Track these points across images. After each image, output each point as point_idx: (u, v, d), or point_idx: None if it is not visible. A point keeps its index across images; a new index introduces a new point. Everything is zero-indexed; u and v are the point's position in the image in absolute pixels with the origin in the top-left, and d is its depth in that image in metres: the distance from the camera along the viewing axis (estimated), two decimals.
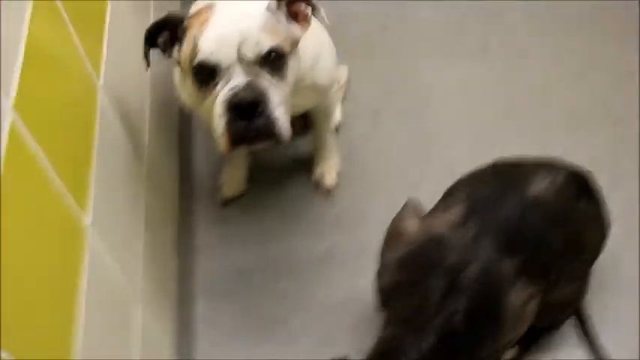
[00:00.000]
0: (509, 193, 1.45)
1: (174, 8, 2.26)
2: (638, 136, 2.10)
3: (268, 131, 1.41)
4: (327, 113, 1.93)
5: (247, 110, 1.39)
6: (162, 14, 1.92)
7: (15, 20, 1.02)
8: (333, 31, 1.78)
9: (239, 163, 2.04)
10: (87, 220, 1.18)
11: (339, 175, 2.06)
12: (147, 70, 1.49)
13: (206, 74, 1.40)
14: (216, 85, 1.40)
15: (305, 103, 1.73)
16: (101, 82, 1.38)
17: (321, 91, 1.73)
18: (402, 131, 2.15)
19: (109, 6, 1.53)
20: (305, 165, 2.09)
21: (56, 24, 1.20)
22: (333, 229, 1.98)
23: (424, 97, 2.22)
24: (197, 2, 1.61)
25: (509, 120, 2.15)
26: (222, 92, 1.39)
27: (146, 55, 1.48)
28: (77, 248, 1.12)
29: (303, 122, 2.09)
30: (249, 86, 1.38)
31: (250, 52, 1.38)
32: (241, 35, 1.37)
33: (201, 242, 1.98)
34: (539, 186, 1.49)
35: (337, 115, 2.14)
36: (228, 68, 1.38)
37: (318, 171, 2.05)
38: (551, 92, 2.21)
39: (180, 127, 2.05)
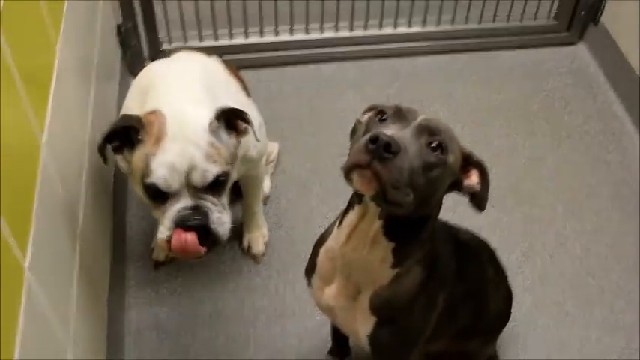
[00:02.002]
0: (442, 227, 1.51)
1: (113, 83, 2.36)
2: (545, 217, 2.28)
3: (209, 244, 1.55)
4: (256, 184, 2.03)
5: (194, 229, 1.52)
6: (101, 84, 2.03)
7: None
8: (266, 110, 1.90)
9: None
10: (26, 262, 1.22)
11: (267, 243, 2.14)
12: (105, 164, 1.61)
13: (156, 194, 1.53)
14: (165, 202, 1.53)
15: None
16: (44, 139, 1.45)
17: (250, 162, 1.84)
18: (327, 205, 2.25)
19: (55, 70, 1.61)
20: (235, 232, 2.15)
21: (7, 80, 1.27)
22: (260, 293, 2.05)
23: None
24: (135, 87, 1.76)
25: None
26: (171, 211, 1.52)
27: (102, 151, 1.58)
28: (16, 287, 1.17)
29: (233, 192, 2.18)
30: (195, 211, 1.52)
31: (198, 181, 1.51)
32: (190, 165, 1.50)
33: (133, 301, 2.02)
34: (465, 236, 1.62)
35: (266, 187, 2.24)
36: (176, 193, 1.52)
37: (246, 239, 2.13)
38: None
39: (115, 192, 2.11)
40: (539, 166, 2.43)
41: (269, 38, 2.69)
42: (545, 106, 2.63)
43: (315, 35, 2.72)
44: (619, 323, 2.02)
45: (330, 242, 1.42)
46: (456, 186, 1.26)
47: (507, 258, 2.11)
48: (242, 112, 1.60)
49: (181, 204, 1.52)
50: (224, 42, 2.65)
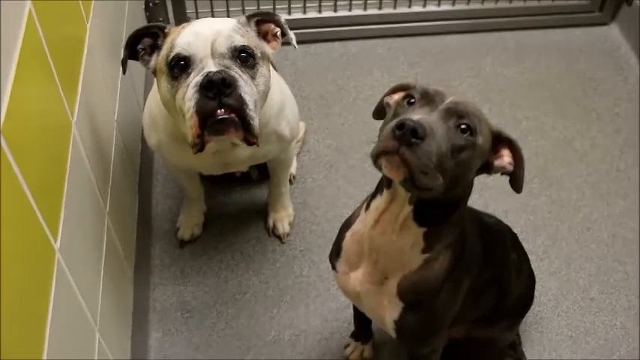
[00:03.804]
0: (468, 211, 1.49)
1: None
2: (572, 200, 2.25)
3: (238, 111, 1.44)
4: (285, 165, 2.03)
5: (218, 89, 1.42)
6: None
7: (5, 57, 1.10)
8: (292, 89, 1.90)
9: (196, 207, 2.11)
10: (57, 244, 1.24)
11: (292, 223, 2.15)
12: (123, 74, 1.59)
13: (180, 67, 1.47)
14: (189, 75, 1.46)
15: (267, 153, 1.82)
16: (75, 119, 1.46)
17: (282, 141, 1.82)
18: (353, 185, 2.26)
19: (85, 47, 1.62)
20: (260, 212, 2.18)
21: (40, 61, 1.28)
22: (285, 273, 2.06)
23: None
24: None
25: None
26: (195, 79, 1.45)
27: (124, 61, 1.57)
28: (47, 269, 1.18)
29: (259, 172, 2.19)
30: (220, 71, 1.44)
31: (223, 46, 1.47)
32: (216, 33, 1.48)
33: (157, 280, 2.03)
34: (489, 219, 1.63)
35: (293, 167, 2.24)
36: (201, 60, 1.46)
37: (271, 219, 2.14)
38: None
39: (142, 171, 2.12)
40: (567, 148, 2.41)
41: (297, 15, 2.68)
42: (575, 86, 2.60)
43: (343, 12, 2.71)
44: None
45: (358, 225, 1.41)
46: (487, 167, 1.25)
47: (533, 242, 2.11)
48: (273, 15, 1.59)
49: (206, 70, 1.44)
50: None
